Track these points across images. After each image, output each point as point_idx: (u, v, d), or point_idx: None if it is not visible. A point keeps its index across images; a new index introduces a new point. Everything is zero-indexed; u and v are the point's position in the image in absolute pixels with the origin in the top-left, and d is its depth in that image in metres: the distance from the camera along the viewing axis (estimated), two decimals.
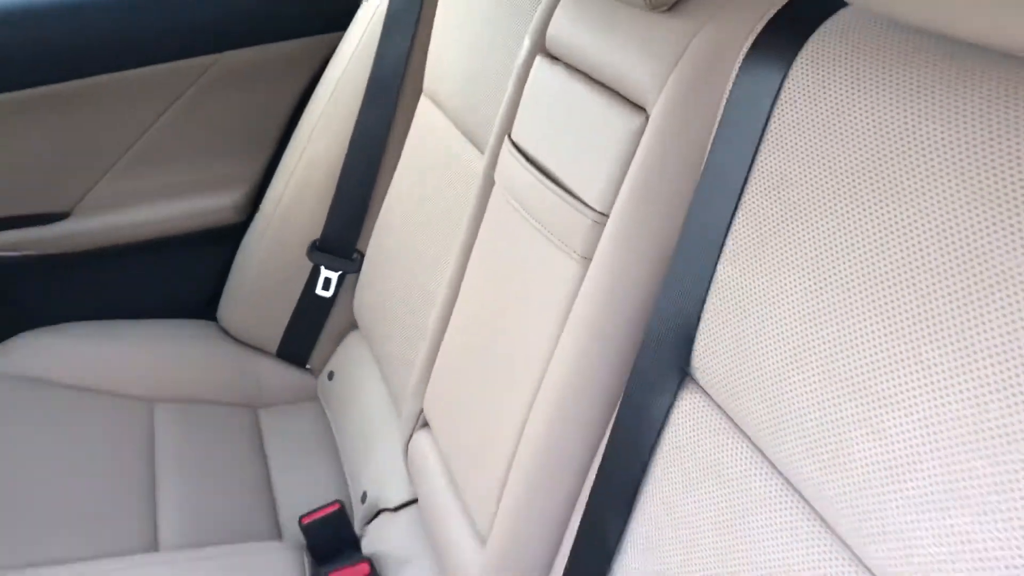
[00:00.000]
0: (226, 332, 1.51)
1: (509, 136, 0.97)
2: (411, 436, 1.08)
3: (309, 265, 1.44)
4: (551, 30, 0.93)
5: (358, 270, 1.42)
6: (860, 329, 0.53)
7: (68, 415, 1.26)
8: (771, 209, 0.62)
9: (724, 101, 0.69)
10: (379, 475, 1.18)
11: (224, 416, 1.38)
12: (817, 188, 0.58)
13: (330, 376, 1.46)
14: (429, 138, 1.28)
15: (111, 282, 1.49)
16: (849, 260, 0.55)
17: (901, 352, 0.51)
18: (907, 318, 0.51)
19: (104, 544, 1.07)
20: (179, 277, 1.54)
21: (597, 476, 0.75)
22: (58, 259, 1.44)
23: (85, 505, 1.11)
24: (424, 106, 1.32)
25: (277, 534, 1.17)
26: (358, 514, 1.18)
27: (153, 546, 1.09)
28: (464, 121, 1.17)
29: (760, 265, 0.62)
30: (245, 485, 1.23)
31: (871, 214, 0.54)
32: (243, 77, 1.47)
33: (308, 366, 1.50)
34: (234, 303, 1.51)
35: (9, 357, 1.34)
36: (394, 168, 1.37)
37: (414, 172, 1.30)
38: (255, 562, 1.07)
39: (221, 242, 1.53)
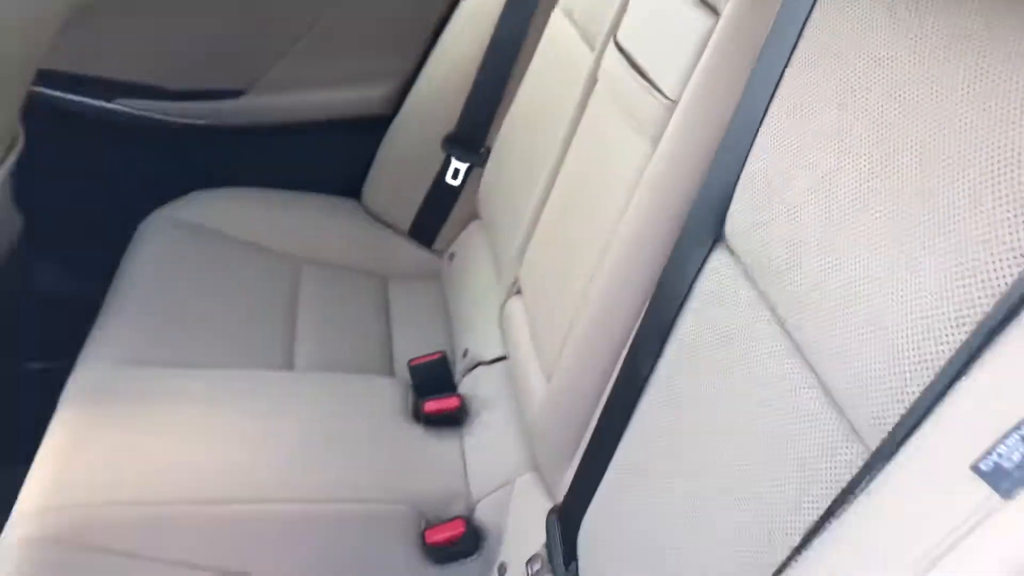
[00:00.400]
0: (367, 210, 1.71)
1: (615, 38, 1.10)
2: (506, 301, 1.24)
3: (442, 156, 1.61)
4: None
5: (484, 164, 1.58)
6: (870, 204, 0.63)
7: (229, 260, 1.49)
8: (797, 98, 0.73)
9: (779, 8, 0.80)
10: (481, 336, 1.36)
11: (358, 280, 1.58)
12: (834, 84, 0.70)
13: (451, 258, 1.64)
14: (557, 47, 1.41)
15: (274, 155, 1.70)
16: (859, 145, 0.65)
17: (912, 231, 0.58)
18: (915, 196, 0.61)
19: (249, 359, 1.29)
20: (331, 158, 1.74)
21: (639, 325, 0.89)
22: (231, 130, 1.65)
23: (237, 328, 1.33)
24: (556, 17, 1.45)
25: (390, 372, 1.37)
26: (458, 366, 1.36)
27: (289, 366, 1.31)
28: (587, 31, 1.29)
29: (785, 144, 0.74)
30: (369, 333, 1.44)
31: (880, 105, 0.64)
32: None
33: (434, 247, 1.68)
34: (375, 186, 1.70)
35: (186, 209, 1.57)
36: (524, 73, 1.51)
37: (541, 77, 1.44)
38: (369, 390, 1.27)
39: (370, 130, 1.71)
